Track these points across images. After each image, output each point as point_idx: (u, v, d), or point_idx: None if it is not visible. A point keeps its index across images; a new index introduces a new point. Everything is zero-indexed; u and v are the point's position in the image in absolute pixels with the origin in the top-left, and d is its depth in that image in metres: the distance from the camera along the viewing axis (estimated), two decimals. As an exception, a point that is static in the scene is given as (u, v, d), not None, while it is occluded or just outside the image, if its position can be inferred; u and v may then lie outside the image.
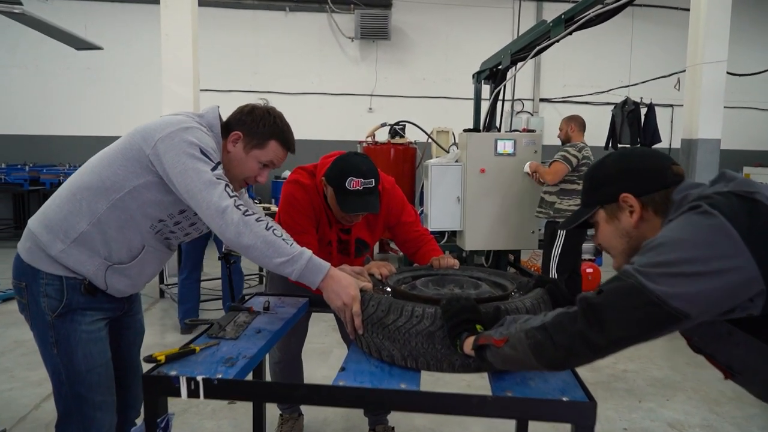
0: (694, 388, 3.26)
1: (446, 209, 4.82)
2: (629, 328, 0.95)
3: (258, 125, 1.62)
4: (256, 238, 1.44)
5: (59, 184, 7.84)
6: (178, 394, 1.25)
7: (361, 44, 9.77)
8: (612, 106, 8.54)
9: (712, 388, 3.23)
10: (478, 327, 1.22)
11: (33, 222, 1.57)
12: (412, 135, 6.89)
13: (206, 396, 1.25)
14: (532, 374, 1.32)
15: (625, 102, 8.24)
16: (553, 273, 4.04)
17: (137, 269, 1.59)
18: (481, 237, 4.78)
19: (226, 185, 1.47)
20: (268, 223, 1.48)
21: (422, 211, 5.19)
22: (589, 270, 5.12)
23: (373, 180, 1.90)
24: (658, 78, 9.23)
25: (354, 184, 1.86)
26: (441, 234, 5.19)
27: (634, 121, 8.09)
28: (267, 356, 2.34)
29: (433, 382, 2.73)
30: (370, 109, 10.08)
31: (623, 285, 0.96)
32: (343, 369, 1.36)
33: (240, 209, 1.45)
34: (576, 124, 4.29)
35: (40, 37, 6.51)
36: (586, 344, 0.98)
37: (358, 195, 1.88)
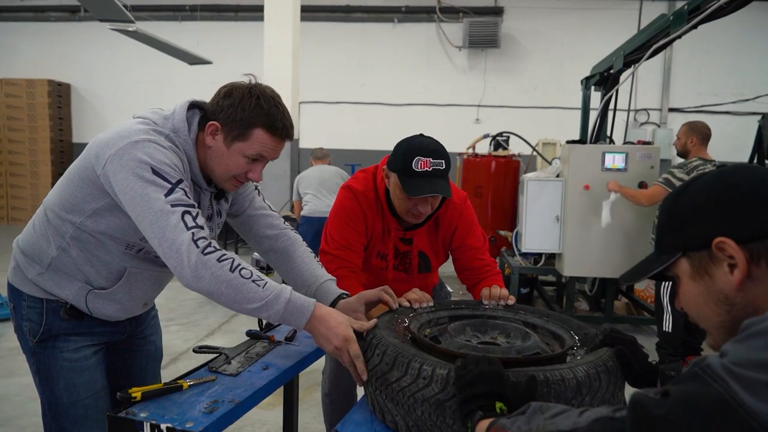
0: None
1: (543, 229, 4.34)
2: None
3: (237, 111, 1.31)
4: (219, 283, 1.19)
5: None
6: (140, 442, 1.08)
7: (469, 53, 9.45)
8: (759, 117, 7.36)
9: None
10: (499, 405, 0.89)
11: (16, 241, 1.47)
12: (516, 147, 6.44)
13: (169, 449, 1.06)
14: (579, 473, 0.96)
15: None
16: (666, 305, 3.40)
17: (124, 293, 1.42)
18: (583, 262, 4.24)
19: (185, 212, 1.21)
20: (233, 263, 1.21)
21: (517, 230, 4.75)
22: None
23: (443, 161, 1.61)
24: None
25: (422, 164, 1.59)
26: (537, 256, 4.71)
27: (783, 135, 6.89)
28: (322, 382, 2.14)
29: None
30: (477, 119, 9.71)
31: (703, 392, 0.59)
32: (336, 431, 1.10)
33: (199, 245, 1.18)
34: (698, 135, 3.61)
35: (164, 57, 7.05)
36: None
37: (426, 177, 1.59)
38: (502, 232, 5.53)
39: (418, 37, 9.71)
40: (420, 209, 1.66)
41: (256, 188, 1.65)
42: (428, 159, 1.59)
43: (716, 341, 0.79)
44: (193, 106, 1.40)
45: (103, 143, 1.28)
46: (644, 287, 5.54)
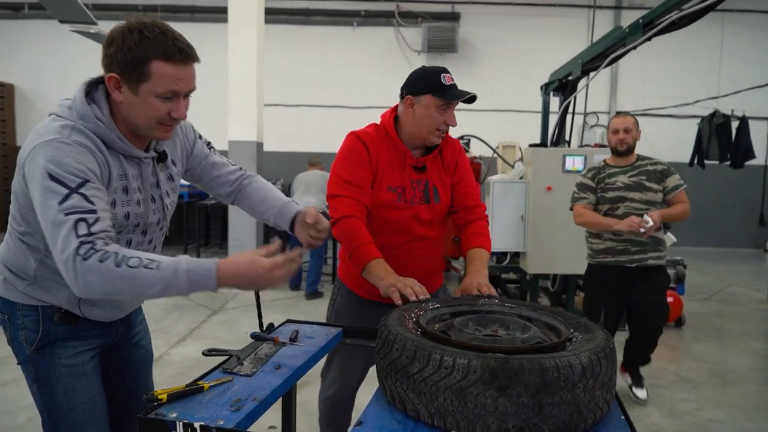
0: (796, 446, 2.81)
1: (509, 229, 4.54)
2: None
3: (125, 52, 1.23)
4: (111, 282, 1.16)
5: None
6: (173, 441, 1.12)
7: (428, 57, 9.64)
8: (698, 120, 7.88)
9: (820, 447, 2.76)
10: None
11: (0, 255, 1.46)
12: (476, 150, 6.64)
13: (204, 446, 1.10)
14: (587, 447, 1.08)
15: (714, 115, 7.57)
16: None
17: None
18: (546, 260, 4.46)
19: (79, 221, 1.16)
20: (116, 257, 1.17)
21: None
22: (670, 299, 4.64)
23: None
24: (753, 89, 8.45)
25: (447, 78, 1.83)
26: (503, 255, 4.89)
27: (723, 136, 7.42)
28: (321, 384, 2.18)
29: None
30: (436, 122, 9.92)
31: None
32: (360, 423, 1.17)
33: (80, 252, 1.14)
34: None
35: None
36: None
37: (455, 87, 1.84)
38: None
39: (377, 41, 9.83)
40: (451, 121, 1.86)
41: (208, 145, 1.66)
42: (449, 75, 1.84)
43: None
44: (94, 84, 1.35)
45: (22, 150, 1.27)
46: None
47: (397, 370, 1.19)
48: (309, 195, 5.98)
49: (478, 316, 1.46)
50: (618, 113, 3.01)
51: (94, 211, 1.20)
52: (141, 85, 1.26)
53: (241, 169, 1.72)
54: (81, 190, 1.20)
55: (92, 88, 1.34)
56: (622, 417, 1.22)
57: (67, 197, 1.18)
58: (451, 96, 1.82)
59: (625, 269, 3.13)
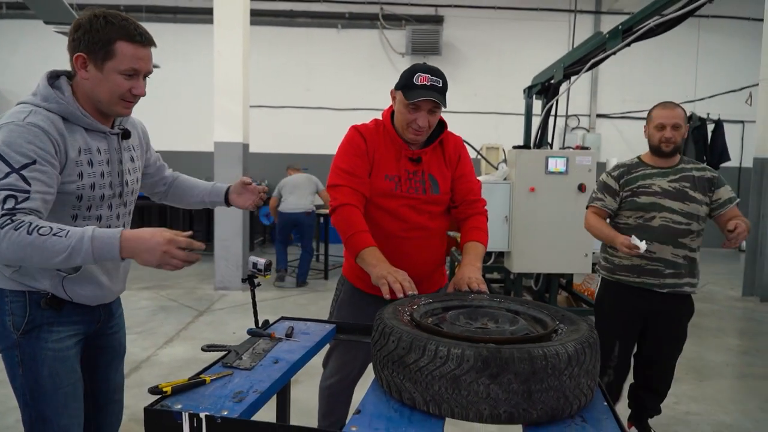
0: (768, 436, 2.93)
1: (493, 229, 4.55)
2: None
3: (92, 34, 1.39)
4: (21, 248, 1.24)
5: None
6: (180, 431, 1.16)
7: (411, 60, 9.73)
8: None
9: (790, 437, 2.88)
10: None
11: None
12: (460, 151, 6.73)
13: (209, 435, 1.15)
14: (571, 430, 1.15)
15: (690, 118, 7.77)
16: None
17: (97, 272, 1.54)
18: (529, 259, 4.55)
19: (8, 197, 1.27)
20: (30, 226, 1.26)
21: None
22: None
23: (440, 80, 1.86)
24: (727, 92, 8.68)
25: (421, 79, 1.84)
26: (488, 255, 4.98)
27: (699, 139, 7.62)
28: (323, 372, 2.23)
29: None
30: (420, 124, 10.01)
31: None
32: (358, 411, 1.23)
33: None
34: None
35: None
36: None
37: (424, 89, 1.83)
38: (451, 233, 5.79)
39: (362, 43, 9.89)
40: (419, 123, 1.88)
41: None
42: (427, 75, 1.84)
43: None
44: (55, 76, 1.49)
45: None
46: (582, 282, 5.97)
47: (394, 360, 1.25)
48: (296, 196, 6.36)
49: (469, 310, 1.53)
50: (663, 103, 2.53)
51: (27, 191, 1.31)
52: (106, 63, 1.42)
53: (173, 170, 1.99)
54: (22, 171, 1.31)
55: (53, 79, 1.49)
56: (605, 403, 1.30)
57: (6, 176, 1.30)
58: (411, 96, 1.84)
59: (650, 292, 2.51)
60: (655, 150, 2.53)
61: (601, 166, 5.37)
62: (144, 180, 1.84)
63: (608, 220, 2.66)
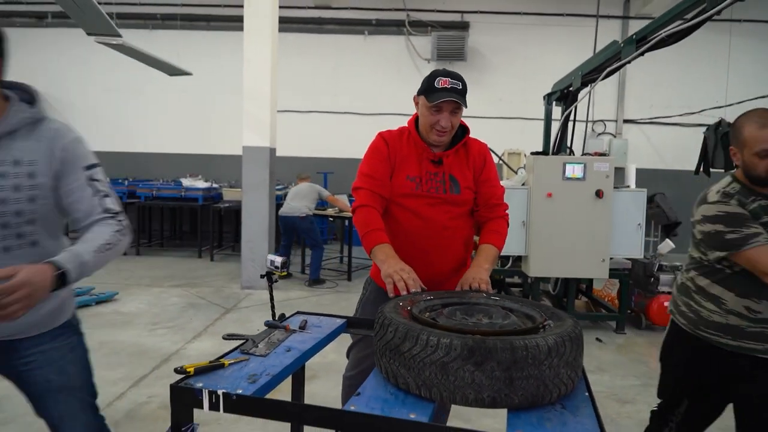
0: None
1: (511, 233, 4.65)
2: None
3: None
4: None
5: (153, 197, 8.50)
6: (200, 406, 1.32)
7: (437, 65, 9.83)
8: (704, 129, 7.99)
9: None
10: None
11: None
12: (483, 156, 6.82)
13: (225, 410, 1.30)
14: (550, 415, 1.26)
15: (719, 124, 7.67)
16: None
17: None
18: (546, 263, 4.62)
19: None
20: None
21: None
22: (666, 303, 4.78)
23: (460, 83, 1.97)
24: (759, 98, 8.54)
25: (442, 82, 1.95)
26: (506, 259, 5.07)
27: (728, 145, 7.51)
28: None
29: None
30: (445, 129, 10.11)
31: None
32: (358, 394, 1.37)
33: None
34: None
35: (137, 64, 7.16)
36: None
37: (446, 91, 1.94)
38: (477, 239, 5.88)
39: (388, 49, 10.06)
40: (442, 123, 1.98)
41: (92, 179, 1.59)
42: (447, 79, 1.96)
43: None
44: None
45: None
46: (602, 287, 5.98)
47: (391, 349, 1.38)
48: (296, 201, 6.78)
49: (466, 306, 1.65)
50: (761, 117, 1.82)
51: None
52: None
53: (113, 216, 1.59)
54: None
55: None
56: (587, 393, 1.40)
57: None
58: (433, 98, 1.95)
59: (744, 357, 1.93)
60: (758, 181, 1.90)
61: (619, 172, 5.37)
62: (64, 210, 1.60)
63: (718, 265, 1.96)
